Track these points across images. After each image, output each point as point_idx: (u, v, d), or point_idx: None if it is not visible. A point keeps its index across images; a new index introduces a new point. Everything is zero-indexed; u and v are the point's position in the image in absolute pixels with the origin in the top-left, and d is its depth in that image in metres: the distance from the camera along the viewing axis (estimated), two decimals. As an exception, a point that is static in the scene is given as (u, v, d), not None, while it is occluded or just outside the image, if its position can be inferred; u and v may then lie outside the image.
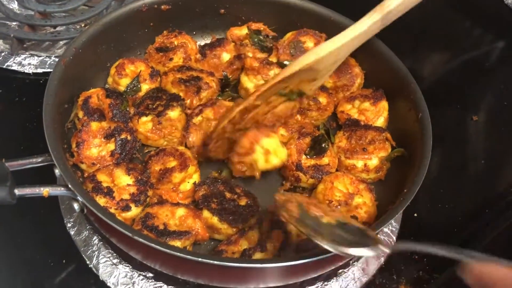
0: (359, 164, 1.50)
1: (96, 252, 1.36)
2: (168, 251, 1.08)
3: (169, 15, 1.75)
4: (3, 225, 1.42)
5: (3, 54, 1.84)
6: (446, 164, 1.77)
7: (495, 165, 1.81)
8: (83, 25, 1.98)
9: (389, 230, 1.51)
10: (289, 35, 1.79)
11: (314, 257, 1.12)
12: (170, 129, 1.50)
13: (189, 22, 1.82)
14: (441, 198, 1.64)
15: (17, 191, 1.15)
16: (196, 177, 1.43)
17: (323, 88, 1.67)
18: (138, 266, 1.34)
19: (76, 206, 1.24)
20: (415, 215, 1.56)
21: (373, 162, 1.50)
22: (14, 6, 2.03)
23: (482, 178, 1.76)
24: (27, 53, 1.86)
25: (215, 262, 1.08)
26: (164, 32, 1.78)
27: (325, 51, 1.41)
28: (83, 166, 1.40)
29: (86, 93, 1.53)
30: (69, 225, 1.41)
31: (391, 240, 1.49)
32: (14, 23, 1.93)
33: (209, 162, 1.50)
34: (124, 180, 1.35)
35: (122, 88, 1.61)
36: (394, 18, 1.47)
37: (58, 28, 1.94)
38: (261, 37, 1.80)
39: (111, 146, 1.43)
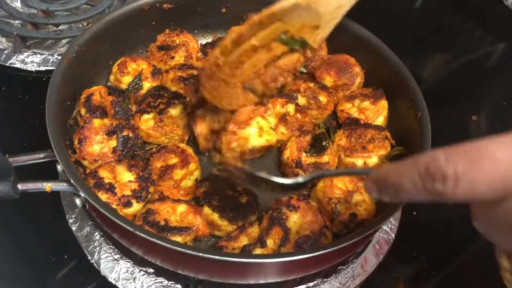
0: (359, 162, 1.51)
1: (97, 248, 1.37)
2: (169, 246, 1.09)
3: (171, 14, 1.76)
4: (5, 221, 1.44)
5: (6, 52, 1.85)
6: (445, 163, 1.78)
7: (494, 164, 1.82)
8: (85, 23, 1.99)
9: (388, 228, 1.52)
10: (290, 34, 1.80)
11: (313, 253, 1.13)
12: (172, 126, 1.51)
13: (191, 21, 1.83)
14: (440, 197, 1.65)
15: (20, 186, 1.16)
16: (197, 174, 1.44)
17: (323, 87, 1.68)
18: (139, 262, 1.35)
19: (78, 201, 1.25)
20: (414, 213, 1.57)
21: (373, 160, 1.51)
22: (17, 4, 2.05)
23: (481, 177, 1.77)
24: (30, 51, 1.87)
25: (216, 257, 1.09)
26: (166, 30, 1.79)
27: None
28: (85, 163, 1.41)
29: (89, 90, 1.54)
30: (70, 221, 1.42)
31: (390, 238, 1.50)
32: (17, 21, 1.94)
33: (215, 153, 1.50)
34: (125, 177, 1.37)
35: (124, 86, 1.62)
36: None
37: (60, 27, 1.95)
38: (262, 37, 1.81)
39: (113, 143, 1.44)
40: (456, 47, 2.32)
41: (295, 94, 1.64)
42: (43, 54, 1.86)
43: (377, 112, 1.62)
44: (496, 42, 2.39)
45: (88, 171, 1.40)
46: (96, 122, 1.45)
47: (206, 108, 1.47)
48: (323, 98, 1.65)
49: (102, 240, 1.39)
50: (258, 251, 1.25)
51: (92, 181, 1.33)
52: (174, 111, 1.53)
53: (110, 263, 1.35)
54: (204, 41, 1.87)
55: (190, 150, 1.47)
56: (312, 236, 1.28)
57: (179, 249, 1.09)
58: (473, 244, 1.56)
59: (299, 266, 1.26)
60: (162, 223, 1.28)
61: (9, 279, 1.34)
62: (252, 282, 1.29)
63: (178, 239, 1.25)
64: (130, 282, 1.32)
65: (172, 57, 1.71)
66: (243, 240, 1.28)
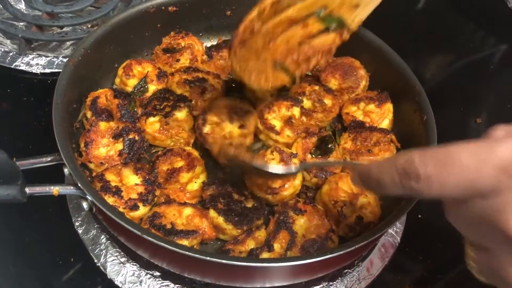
0: (364, 165, 1.51)
1: (104, 251, 1.38)
2: (176, 249, 1.09)
3: (176, 16, 1.77)
4: (11, 224, 1.44)
5: (11, 54, 1.85)
6: (450, 166, 1.78)
7: (499, 167, 1.82)
8: (89, 26, 1.99)
9: (394, 231, 1.52)
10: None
11: (319, 257, 1.13)
12: (177, 129, 1.51)
13: (196, 24, 1.83)
14: (445, 200, 1.65)
15: (27, 190, 1.16)
16: (203, 177, 1.44)
17: (328, 90, 1.68)
18: (145, 265, 1.35)
19: (85, 205, 1.25)
20: (419, 216, 1.57)
21: (378, 163, 1.51)
22: (22, 6, 2.05)
23: (485, 181, 1.78)
24: (34, 53, 1.87)
25: (223, 261, 1.10)
26: (171, 33, 1.79)
27: None
28: (92, 166, 1.42)
29: (94, 93, 1.54)
30: (77, 224, 1.42)
31: (395, 241, 1.50)
32: (22, 24, 1.94)
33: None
34: (132, 180, 1.37)
35: (129, 89, 1.63)
36: None
37: (65, 29, 1.95)
38: (267, 39, 1.81)
39: (119, 146, 1.44)
40: (459, 48, 2.32)
41: (300, 97, 1.65)
42: (48, 56, 1.86)
43: (382, 115, 1.62)
44: (499, 43, 2.39)
45: (94, 174, 1.41)
46: (102, 125, 1.46)
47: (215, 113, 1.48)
48: (328, 101, 1.66)
49: (109, 243, 1.39)
50: (265, 255, 1.25)
51: (99, 184, 1.34)
52: (180, 114, 1.54)
53: (117, 266, 1.36)
54: (209, 44, 1.87)
55: (196, 153, 1.48)
56: (319, 240, 1.29)
57: (186, 252, 1.10)
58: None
59: (305, 270, 1.26)
60: (169, 226, 1.29)
61: (15, 282, 1.34)
62: (258, 285, 1.29)
63: (185, 242, 1.26)
64: (137, 285, 1.32)
65: (178, 60, 1.71)
66: (250, 244, 1.28)
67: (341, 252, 1.15)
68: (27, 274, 1.36)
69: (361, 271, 1.42)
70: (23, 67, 1.83)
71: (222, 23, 1.87)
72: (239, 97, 1.63)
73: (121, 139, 1.45)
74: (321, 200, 1.44)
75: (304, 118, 1.62)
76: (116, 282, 1.33)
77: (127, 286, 1.32)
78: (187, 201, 1.39)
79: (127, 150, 1.44)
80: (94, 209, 1.26)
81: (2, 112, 1.73)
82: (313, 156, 1.52)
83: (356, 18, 1.32)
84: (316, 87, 1.68)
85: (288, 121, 1.58)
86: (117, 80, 1.66)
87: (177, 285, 1.33)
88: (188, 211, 1.34)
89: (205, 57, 1.78)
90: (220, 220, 1.33)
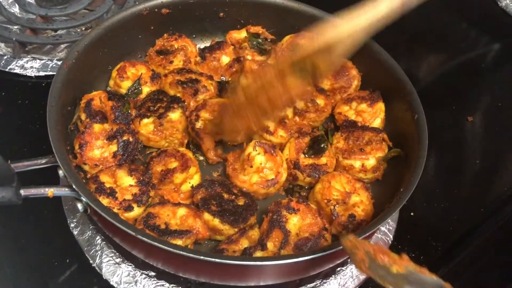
0: (357, 164, 1.53)
1: (99, 252, 1.39)
2: (170, 249, 1.11)
3: (169, 18, 1.78)
4: (7, 225, 1.44)
5: (5, 57, 1.86)
6: (442, 164, 1.80)
7: (490, 165, 1.85)
8: (83, 28, 2.00)
9: (386, 229, 1.54)
10: (287, 38, 1.83)
11: (312, 255, 1.15)
12: (171, 130, 1.53)
13: (189, 26, 1.85)
14: (437, 198, 1.67)
15: (22, 192, 1.17)
16: (197, 178, 1.45)
17: (320, 90, 1.70)
18: (140, 265, 1.36)
19: (79, 206, 1.26)
20: (412, 214, 1.59)
21: (371, 162, 1.53)
22: (16, 10, 2.06)
23: (477, 178, 1.80)
24: (29, 56, 1.88)
25: (217, 260, 1.11)
26: (165, 35, 1.81)
27: (344, 32, 1.28)
28: (86, 167, 1.43)
29: (89, 95, 1.55)
30: (72, 225, 1.43)
31: (388, 239, 1.52)
32: (16, 27, 1.95)
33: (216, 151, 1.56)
34: (126, 181, 1.38)
35: (123, 91, 1.64)
36: (415, 3, 1.37)
37: (59, 32, 1.95)
38: (260, 40, 1.83)
39: (114, 147, 1.45)
40: (451, 48, 2.34)
41: (293, 98, 1.66)
42: (42, 59, 1.87)
43: (374, 115, 1.64)
44: (491, 43, 2.41)
45: (89, 175, 1.42)
46: (97, 127, 1.46)
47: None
48: (320, 101, 1.67)
49: (104, 244, 1.40)
50: (258, 253, 1.26)
51: (93, 186, 1.35)
52: (174, 115, 1.55)
53: (112, 267, 1.37)
54: (202, 45, 1.89)
55: (190, 154, 1.49)
56: (312, 238, 1.30)
57: (180, 252, 1.11)
58: (470, 245, 1.58)
59: (299, 268, 1.27)
60: (163, 226, 1.30)
61: (11, 283, 1.35)
62: (252, 284, 1.31)
63: (179, 242, 1.27)
64: (132, 286, 1.33)
65: (171, 62, 1.72)
66: (244, 243, 1.30)
67: (334, 250, 1.16)
68: (23, 276, 1.37)
69: (354, 269, 1.43)
70: (17, 70, 1.84)
71: (215, 25, 1.88)
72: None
73: (115, 140, 1.46)
74: (314, 199, 1.46)
75: (297, 118, 1.63)
76: (111, 283, 1.34)
77: (123, 286, 1.33)
78: (181, 202, 1.40)
79: (121, 151, 1.45)
80: (89, 211, 1.27)
81: (-4, 115, 1.74)
82: (306, 155, 1.53)
83: (328, 63, 1.35)
84: (309, 87, 1.69)
85: (281, 122, 1.59)
86: (111, 82, 1.67)
87: (172, 285, 1.34)
88: (182, 211, 1.35)
89: (198, 58, 1.80)
90: (216, 221, 1.34)
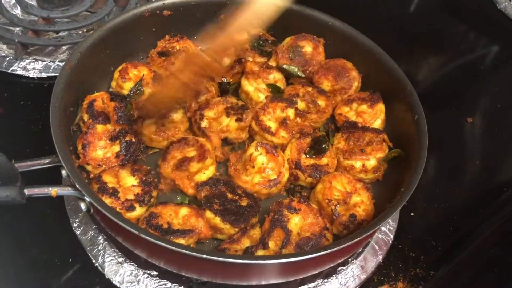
0: (358, 164, 1.54)
1: (101, 251, 1.39)
2: (173, 248, 1.11)
3: (171, 20, 1.79)
4: (10, 225, 1.45)
5: (7, 59, 1.87)
6: (442, 165, 1.81)
7: (489, 165, 1.86)
8: (85, 30, 2.01)
9: (387, 229, 1.54)
10: (288, 39, 1.84)
11: (313, 254, 1.16)
12: (173, 130, 1.54)
13: (190, 27, 1.86)
14: (437, 198, 1.68)
15: (26, 191, 1.18)
16: (212, 169, 1.48)
17: (321, 91, 1.71)
18: (143, 265, 1.37)
19: (82, 206, 1.27)
20: (412, 214, 1.60)
21: (371, 162, 1.54)
22: (18, 12, 2.07)
23: (476, 178, 1.81)
24: (31, 57, 1.89)
25: (219, 258, 1.12)
26: (166, 37, 1.82)
27: None
28: (89, 168, 1.44)
29: (91, 96, 1.56)
30: (75, 225, 1.44)
31: (388, 238, 1.53)
32: (18, 29, 1.96)
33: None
34: (129, 181, 1.39)
35: (125, 92, 1.65)
36: None
37: (61, 33, 1.97)
38: (261, 42, 1.84)
39: (116, 148, 1.46)
40: (451, 50, 2.36)
41: (294, 99, 1.67)
42: (44, 61, 1.88)
43: (374, 116, 1.65)
44: (490, 45, 2.43)
45: (92, 176, 1.43)
46: (99, 127, 1.47)
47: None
48: (321, 102, 1.68)
49: (106, 243, 1.41)
50: (260, 252, 1.27)
51: (96, 186, 1.36)
52: (176, 116, 1.56)
53: (114, 266, 1.37)
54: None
55: (208, 146, 1.50)
56: (313, 238, 1.31)
57: (183, 251, 1.12)
58: (471, 244, 1.59)
59: (300, 267, 1.28)
60: (165, 226, 1.31)
61: (14, 283, 1.36)
62: (254, 283, 1.31)
63: (181, 241, 1.28)
64: (134, 285, 1.34)
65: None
66: (245, 242, 1.31)
67: (335, 249, 1.17)
68: (26, 275, 1.38)
69: (355, 268, 1.44)
70: (19, 72, 1.85)
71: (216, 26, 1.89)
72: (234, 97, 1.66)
73: (118, 141, 1.47)
74: (315, 198, 1.47)
75: (298, 119, 1.64)
76: (114, 282, 1.35)
77: (125, 286, 1.34)
78: (188, 192, 1.43)
79: (124, 152, 1.46)
80: (91, 210, 1.28)
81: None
82: (307, 156, 1.54)
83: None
84: (310, 89, 1.71)
85: (283, 122, 1.60)
86: (113, 84, 1.68)
87: (174, 284, 1.35)
88: (184, 211, 1.36)
89: (199, 60, 1.80)
90: (217, 220, 1.35)
